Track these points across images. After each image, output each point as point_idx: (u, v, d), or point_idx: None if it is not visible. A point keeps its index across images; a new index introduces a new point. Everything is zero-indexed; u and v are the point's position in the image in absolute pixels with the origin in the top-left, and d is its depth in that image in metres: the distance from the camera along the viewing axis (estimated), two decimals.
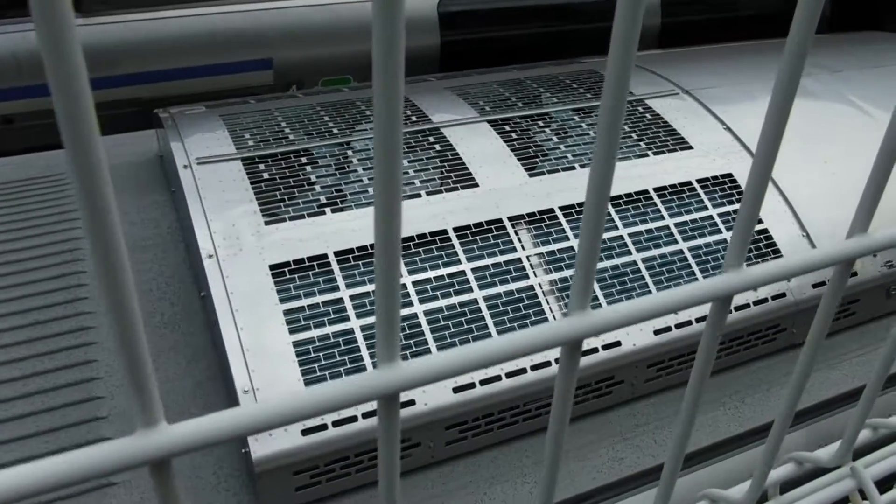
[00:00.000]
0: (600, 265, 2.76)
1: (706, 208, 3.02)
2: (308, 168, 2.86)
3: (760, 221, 3.04)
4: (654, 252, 2.85)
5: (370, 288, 2.53)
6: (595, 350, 2.59)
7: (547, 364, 2.53)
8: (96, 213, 0.29)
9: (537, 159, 3.06)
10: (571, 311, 0.45)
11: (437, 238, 2.70)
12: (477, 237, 2.75)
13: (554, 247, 2.77)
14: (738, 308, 2.84)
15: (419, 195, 2.81)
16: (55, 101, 0.28)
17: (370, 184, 2.84)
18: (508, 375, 2.48)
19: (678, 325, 2.71)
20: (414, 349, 2.44)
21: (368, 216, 2.73)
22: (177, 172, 2.79)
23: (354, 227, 2.69)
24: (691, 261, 2.86)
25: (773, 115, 0.47)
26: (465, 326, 2.52)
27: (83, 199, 0.30)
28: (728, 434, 2.68)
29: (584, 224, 0.43)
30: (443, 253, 2.67)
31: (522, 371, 2.49)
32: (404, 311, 2.50)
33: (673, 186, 3.06)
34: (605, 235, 2.84)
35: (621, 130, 0.41)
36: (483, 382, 2.45)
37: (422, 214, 2.75)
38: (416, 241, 2.67)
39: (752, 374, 2.92)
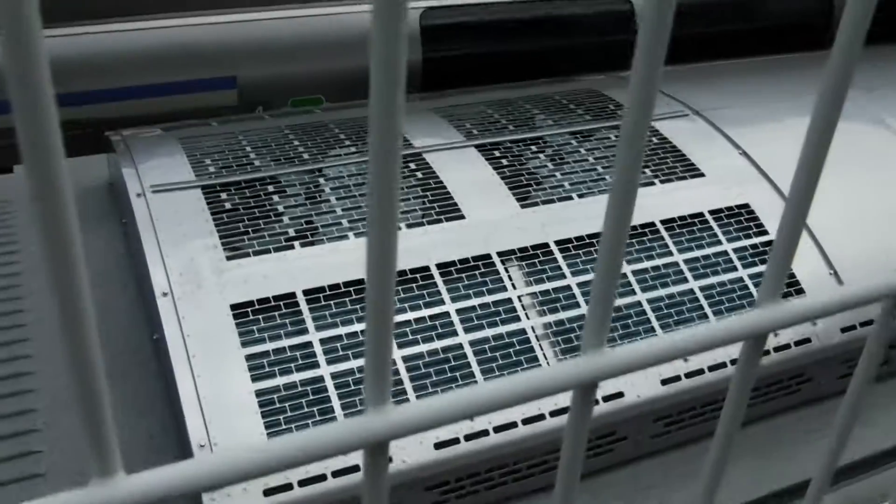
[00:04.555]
0: None
1: (720, 243, 3.03)
2: (275, 197, 2.86)
3: None
4: (662, 292, 2.85)
5: (343, 331, 2.53)
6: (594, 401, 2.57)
7: (540, 418, 2.51)
8: (57, 247, 0.29)
9: (530, 188, 3.08)
10: (586, 349, 0.45)
11: (417, 275, 2.70)
12: (463, 275, 2.75)
13: (549, 286, 2.77)
14: None
15: (399, 228, 2.81)
16: (18, 120, 0.28)
17: (344, 215, 2.84)
18: (497, 430, 2.47)
19: (689, 374, 2.71)
20: (392, 399, 2.43)
21: (341, 251, 2.73)
22: (129, 201, 2.78)
23: (326, 262, 2.69)
24: (703, 301, 2.86)
25: (816, 131, 0.47)
26: (449, 374, 2.51)
27: (43, 232, 0.30)
28: (748, 497, 2.67)
29: (601, 251, 0.43)
30: (424, 292, 2.67)
31: (513, 425, 2.48)
32: None
33: (682, 218, 3.07)
34: None
35: (644, 150, 0.41)
36: (468, 438, 2.44)
37: (401, 249, 2.73)
38: (395, 279, 2.66)
39: (773, 430, 2.91)
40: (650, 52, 0.37)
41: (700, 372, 2.72)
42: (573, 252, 2.88)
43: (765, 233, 3.12)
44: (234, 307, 2.51)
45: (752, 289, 2.94)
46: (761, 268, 3.01)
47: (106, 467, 0.32)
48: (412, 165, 3.08)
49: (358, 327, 2.54)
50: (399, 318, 2.59)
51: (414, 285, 2.67)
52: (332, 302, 2.59)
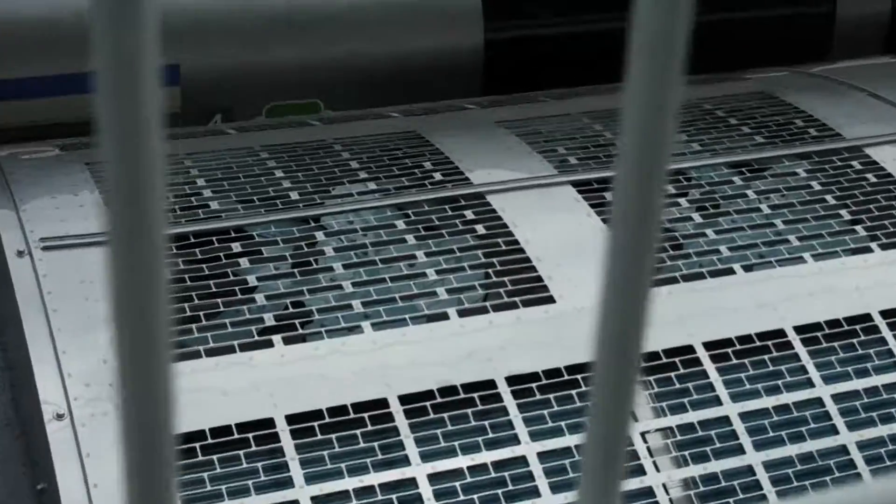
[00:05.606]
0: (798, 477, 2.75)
1: None
2: (244, 261, 2.89)
3: None
4: (876, 430, 2.83)
5: (351, 483, 2.53)
6: None
7: None
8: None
9: (664, 254, 3.09)
10: None
11: (475, 394, 2.71)
12: (550, 395, 2.74)
13: (694, 416, 2.76)
14: None
15: (446, 315, 2.83)
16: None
17: (356, 293, 2.85)
18: None
19: None
20: None
21: (349, 352, 2.74)
22: (4, 262, 2.83)
23: (325, 370, 2.70)
24: None
25: None
26: None
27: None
28: None
29: None
30: (485, 422, 2.67)
31: None
32: None
33: None
34: (776, 401, 2.84)
35: None
36: None
37: (451, 351, 2.76)
38: (439, 400, 2.67)
39: None
40: None
41: None
42: (735, 361, 2.86)
43: None
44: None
45: None
46: None
47: None
48: (469, 214, 3.09)
49: (375, 478, 2.54)
50: (444, 464, 2.59)
51: (470, 410, 2.68)
52: (332, 436, 2.60)
